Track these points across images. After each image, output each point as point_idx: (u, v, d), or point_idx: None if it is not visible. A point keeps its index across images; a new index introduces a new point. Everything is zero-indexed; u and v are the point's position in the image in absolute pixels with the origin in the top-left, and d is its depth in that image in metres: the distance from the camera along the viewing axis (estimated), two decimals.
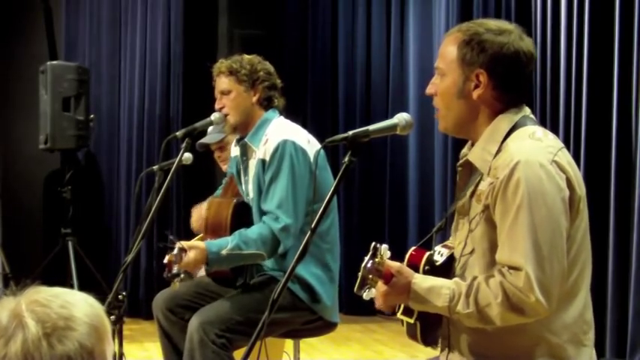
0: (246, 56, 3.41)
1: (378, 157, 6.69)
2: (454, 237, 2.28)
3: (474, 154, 2.18)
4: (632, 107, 4.43)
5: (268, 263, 3.29)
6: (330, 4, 6.86)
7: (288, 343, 3.70)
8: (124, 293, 2.89)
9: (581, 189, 2.11)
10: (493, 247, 2.09)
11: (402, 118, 2.30)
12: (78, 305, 1.34)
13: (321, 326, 3.33)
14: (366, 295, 2.10)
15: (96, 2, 6.63)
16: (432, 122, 6.44)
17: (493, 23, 2.18)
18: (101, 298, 3.02)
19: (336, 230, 3.35)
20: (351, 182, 6.67)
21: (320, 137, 3.33)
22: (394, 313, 2.25)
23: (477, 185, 2.15)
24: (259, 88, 3.34)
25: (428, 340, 2.27)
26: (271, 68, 3.41)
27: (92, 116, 6.11)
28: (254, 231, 3.13)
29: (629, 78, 4.44)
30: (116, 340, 2.95)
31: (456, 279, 2.12)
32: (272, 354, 3.59)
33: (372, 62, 6.82)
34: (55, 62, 6.04)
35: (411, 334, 2.26)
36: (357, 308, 6.56)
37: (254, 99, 3.34)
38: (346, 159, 2.18)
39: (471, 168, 2.21)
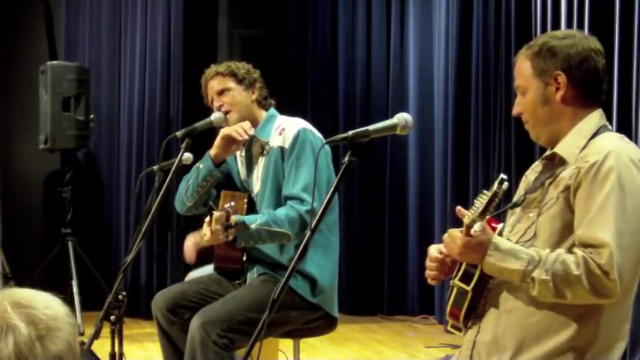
0: (236, 62, 3.48)
1: (378, 157, 6.69)
2: (510, 229, 2.32)
3: (561, 147, 2.25)
4: (632, 107, 4.43)
5: (270, 255, 3.29)
6: (330, 4, 6.86)
7: (284, 342, 3.71)
8: (124, 293, 2.89)
9: None
10: (564, 227, 2.15)
11: (402, 118, 2.32)
12: (56, 304, 1.35)
13: (321, 325, 3.34)
14: (478, 226, 2.11)
15: (96, 2, 6.62)
16: (431, 122, 6.46)
17: (557, 32, 2.38)
18: (101, 298, 3.02)
19: (338, 227, 3.40)
20: (351, 182, 6.67)
21: None
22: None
23: (556, 176, 2.22)
24: (257, 87, 3.41)
25: (468, 318, 2.29)
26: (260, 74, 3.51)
27: (92, 116, 6.11)
28: (282, 212, 3.18)
29: (629, 78, 4.44)
30: (116, 340, 2.95)
31: (534, 248, 2.16)
32: (267, 353, 3.59)
33: (372, 62, 6.82)
34: (55, 62, 6.04)
35: (456, 307, 2.28)
36: (357, 308, 6.57)
37: (253, 97, 3.42)
38: (346, 159, 2.21)
39: (553, 163, 2.27)
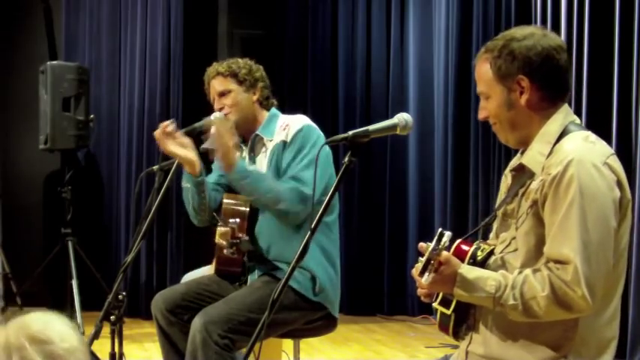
0: (240, 59, 3.45)
1: (378, 157, 6.69)
2: (497, 237, 2.32)
3: (527, 157, 2.21)
4: (632, 107, 4.43)
5: (272, 255, 3.28)
6: (330, 4, 6.86)
7: (286, 343, 3.70)
8: (123, 293, 2.89)
9: (629, 193, 2.15)
10: (538, 242, 2.13)
11: (402, 118, 2.32)
12: (71, 335, 1.36)
13: (322, 325, 3.34)
14: (425, 279, 2.10)
15: (96, 2, 6.62)
16: (431, 122, 6.46)
17: (516, 32, 2.25)
18: (101, 298, 3.02)
19: (338, 227, 3.40)
20: (351, 182, 6.67)
21: None
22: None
23: (527, 187, 2.19)
24: (259, 88, 3.39)
25: (459, 334, 2.30)
26: (264, 71, 3.47)
27: (92, 116, 6.10)
28: (284, 182, 3.19)
29: (629, 78, 4.44)
30: (116, 340, 2.95)
31: (502, 271, 2.15)
32: (270, 354, 3.59)
33: (372, 62, 6.82)
34: (55, 62, 6.03)
35: (444, 326, 2.29)
36: (357, 308, 6.57)
37: (254, 98, 3.40)
38: (346, 159, 2.21)
39: (523, 172, 2.24)
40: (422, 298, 2.31)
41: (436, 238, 2.08)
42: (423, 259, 2.11)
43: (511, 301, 2.08)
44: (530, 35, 2.21)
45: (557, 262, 2.06)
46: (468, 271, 2.14)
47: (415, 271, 2.18)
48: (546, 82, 2.19)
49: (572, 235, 2.03)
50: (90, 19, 6.62)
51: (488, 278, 2.12)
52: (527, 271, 2.10)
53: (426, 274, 2.10)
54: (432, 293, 2.28)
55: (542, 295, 2.05)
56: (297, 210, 3.15)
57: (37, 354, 1.30)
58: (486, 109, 2.26)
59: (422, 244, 2.18)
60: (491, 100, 2.24)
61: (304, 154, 3.22)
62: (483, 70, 2.24)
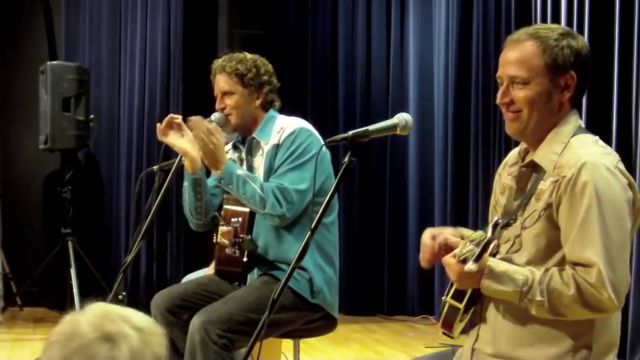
0: (249, 56, 3.42)
1: (378, 157, 6.69)
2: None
3: (540, 154, 2.20)
4: (632, 107, 4.43)
5: (270, 255, 3.28)
6: (330, 4, 6.86)
7: (285, 344, 3.70)
8: (123, 293, 2.89)
9: None
10: (549, 244, 2.12)
11: (402, 118, 2.32)
12: (139, 314, 1.52)
13: (321, 326, 3.34)
14: (474, 266, 2.07)
15: (96, 2, 6.62)
16: (431, 122, 6.46)
17: (556, 27, 2.24)
18: (101, 298, 3.02)
19: (337, 228, 3.39)
20: (351, 182, 6.67)
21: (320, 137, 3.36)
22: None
23: (535, 186, 2.17)
24: (263, 93, 3.36)
25: (463, 330, 2.29)
26: (271, 68, 3.44)
27: (92, 116, 6.11)
28: (267, 184, 3.21)
29: (629, 78, 4.44)
30: None
31: (529, 267, 2.13)
32: (270, 354, 3.59)
33: (372, 62, 6.82)
34: (55, 62, 6.03)
35: (449, 321, 2.25)
36: (357, 308, 6.58)
37: (257, 102, 3.36)
38: (346, 159, 2.21)
39: (533, 169, 2.23)
40: (422, 263, 2.28)
41: (491, 225, 2.08)
42: (473, 248, 2.06)
43: (538, 297, 2.07)
44: (571, 34, 2.22)
45: (578, 264, 2.06)
46: (497, 264, 2.12)
47: (452, 259, 2.13)
48: (582, 84, 2.20)
49: (593, 239, 2.03)
50: (90, 19, 6.62)
51: (516, 272, 2.10)
52: (554, 268, 2.10)
53: (474, 265, 2.06)
54: (435, 257, 2.25)
55: (568, 294, 2.05)
56: (280, 212, 3.14)
57: (124, 325, 1.44)
58: (513, 96, 2.19)
59: (447, 237, 2.19)
60: (529, 87, 2.17)
61: (295, 156, 3.21)
62: (529, 54, 2.17)
